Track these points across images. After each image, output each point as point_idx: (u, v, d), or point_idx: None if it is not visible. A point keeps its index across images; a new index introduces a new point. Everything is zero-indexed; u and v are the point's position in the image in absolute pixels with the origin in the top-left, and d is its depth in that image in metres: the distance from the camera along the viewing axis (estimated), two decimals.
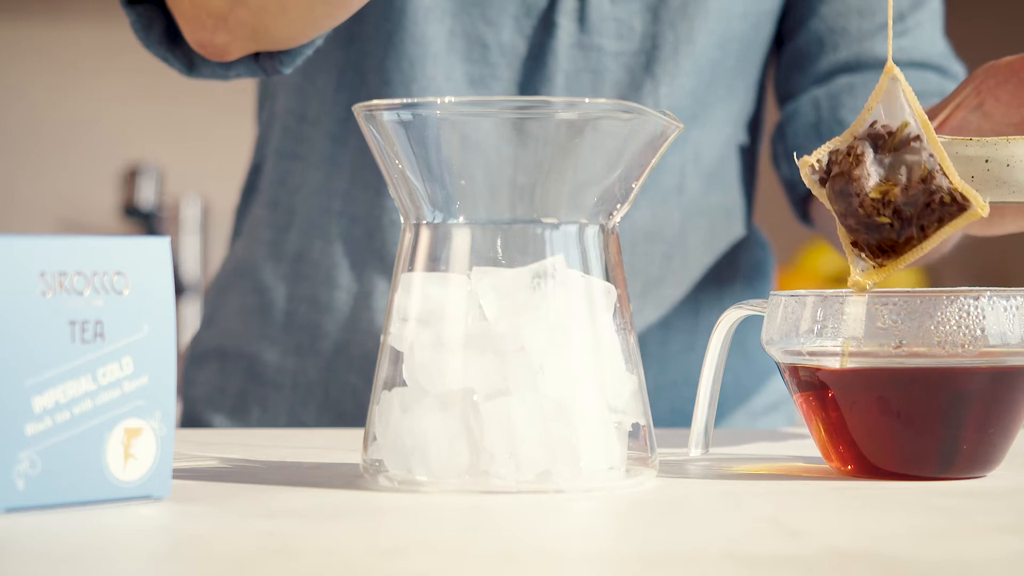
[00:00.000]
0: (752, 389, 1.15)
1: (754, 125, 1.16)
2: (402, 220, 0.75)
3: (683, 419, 1.11)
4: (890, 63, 0.76)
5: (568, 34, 1.07)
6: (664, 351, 1.09)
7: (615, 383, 0.72)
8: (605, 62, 1.07)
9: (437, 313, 0.71)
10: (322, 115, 1.11)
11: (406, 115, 0.72)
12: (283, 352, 1.11)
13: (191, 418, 1.15)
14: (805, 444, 0.94)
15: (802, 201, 1.19)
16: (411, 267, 0.73)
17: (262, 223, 1.14)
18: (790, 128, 1.16)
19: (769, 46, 1.15)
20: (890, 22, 0.79)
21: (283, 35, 0.95)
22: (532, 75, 1.07)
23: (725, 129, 1.13)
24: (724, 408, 1.13)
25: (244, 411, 1.12)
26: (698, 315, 1.12)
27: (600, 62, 1.07)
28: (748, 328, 1.16)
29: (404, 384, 0.71)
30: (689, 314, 1.11)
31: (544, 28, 1.07)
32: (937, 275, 3.10)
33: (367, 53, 1.08)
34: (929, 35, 1.17)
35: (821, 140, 1.13)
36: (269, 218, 1.13)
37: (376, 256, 1.09)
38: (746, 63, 1.12)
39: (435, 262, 0.72)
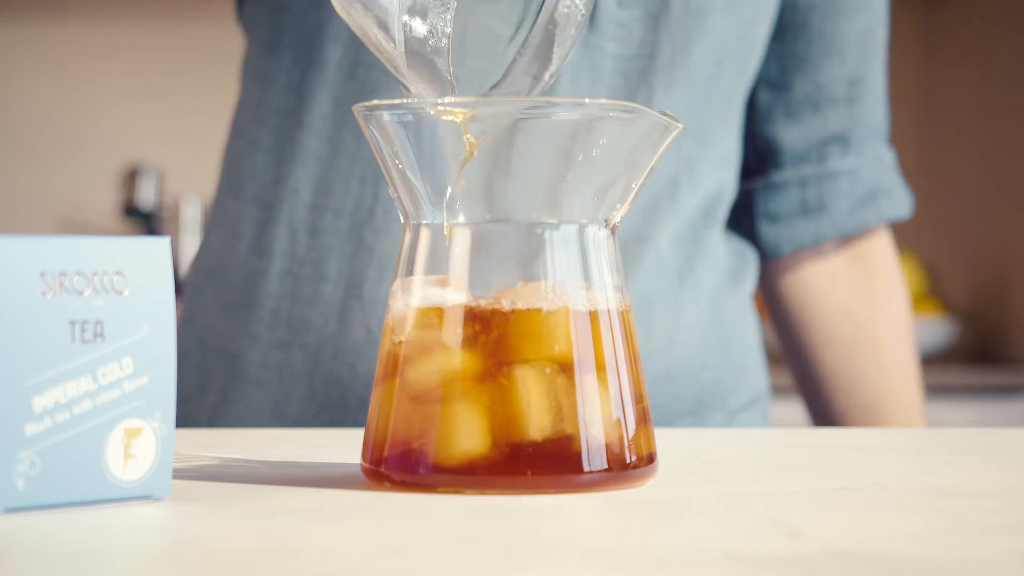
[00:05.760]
0: (731, 387, 1.16)
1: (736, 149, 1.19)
2: (402, 220, 0.75)
3: (666, 416, 1.11)
4: None
5: None
6: (644, 348, 1.09)
7: (617, 383, 0.72)
8: (604, 63, 1.08)
9: (437, 316, 0.71)
10: (315, 109, 1.11)
11: (406, 115, 0.72)
12: (267, 348, 1.11)
13: None
14: (804, 443, 0.94)
15: (768, 265, 1.24)
16: (411, 268, 0.73)
17: (244, 219, 1.13)
18: (778, 197, 1.23)
19: (754, 78, 1.18)
20: None
21: None
22: None
23: (721, 147, 1.15)
24: (705, 406, 1.14)
25: (226, 408, 1.12)
26: (679, 312, 1.12)
27: (600, 62, 1.08)
28: (730, 327, 1.17)
29: (403, 386, 0.71)
30: (668, 311, 1.12)
31: None
32: (937, 274, 3.10)
33: (361, 47, 1.08)
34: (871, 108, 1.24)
35: (806, 221, 1.23)
36: (252, 213, 1.13)
37: (365, 247, 1.09)
38: (738, 87, 1.15)
39: (435, 262, 0.72)
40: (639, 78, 1.09)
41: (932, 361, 2.84)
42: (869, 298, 1.25)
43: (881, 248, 1.26)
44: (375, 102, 0.72)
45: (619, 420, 0.72)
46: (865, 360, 1.25)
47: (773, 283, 1.26)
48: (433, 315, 0.72)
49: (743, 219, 1.24)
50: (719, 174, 1.15)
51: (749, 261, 1.21)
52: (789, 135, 1.22)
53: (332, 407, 1.09)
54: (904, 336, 1.27)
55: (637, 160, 0.73)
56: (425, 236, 0.73)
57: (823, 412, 1.26)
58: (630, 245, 1.11)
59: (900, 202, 1.26)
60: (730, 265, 1.18)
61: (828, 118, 1.22)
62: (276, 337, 1.11)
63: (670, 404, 1.12)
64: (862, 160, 1.23)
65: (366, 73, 1.09)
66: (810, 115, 1.22)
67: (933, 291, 3.04)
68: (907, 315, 1.27)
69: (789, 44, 1.20)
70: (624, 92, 1.09)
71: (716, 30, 1.11)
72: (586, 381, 0.71)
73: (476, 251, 0.72)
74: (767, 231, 1.23)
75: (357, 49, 1.08)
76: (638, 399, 0.73)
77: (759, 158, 1.23)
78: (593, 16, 1.08)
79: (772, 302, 1.27)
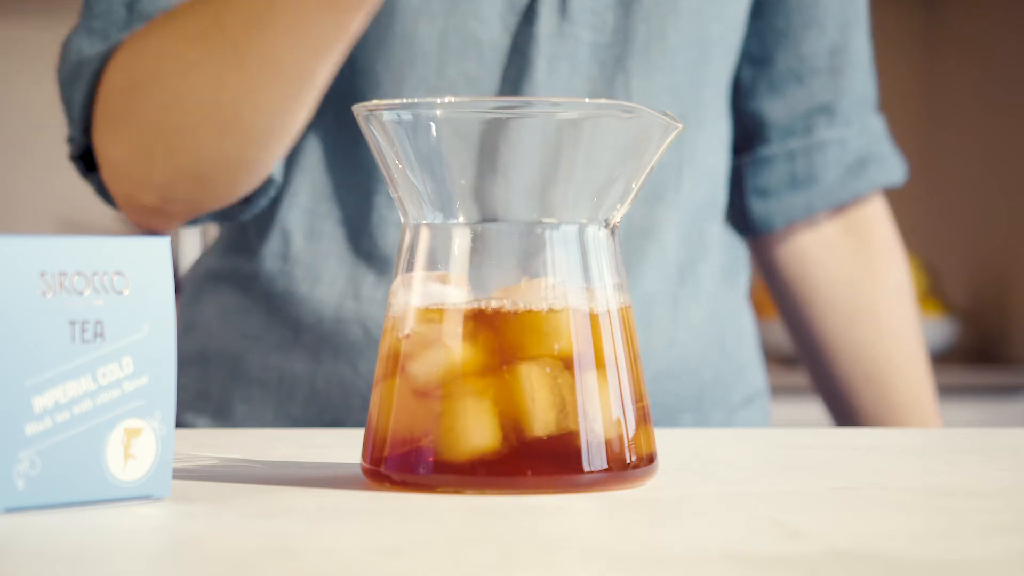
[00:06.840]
0: (731, 385, 1.16)
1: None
2: (402, 220, 0.75)
3: (667, 414, 1.11)
4: None
5: (549, 23, 1.08)
6: (646, 346, 1.09)
7: (617, 383, 0.72)
8: (580, 52, 1.09)
9: (437, 314, 0.71)
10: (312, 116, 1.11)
11: (406, 115, 0.72)
12: (268, 350, 1.11)
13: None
14: (804, 443, 0.94)
15: (762, 240, 1.25)
16: (411, 267, 0.73)
17: (244, 222, 1.14)
18: (767, 172, 1.23)
19: (738, 56, 1.18)
20: None
21: (220, 197, 1.04)
22: (515, 64, 1.08)
23: (718, 131, 1.15)
24: (705, 404, 1.14)
25: (229, 411, 1.12)
26: (677, 309, 1.12)
27: (576, 51, 1.09)
28: (728, 324, 1.17)
29: (405, 382, 0.71)
30: (669, 309, 1.12)
31: (527, 19, 1.08)
32: (937, 274, 3.10)
33: (355, 58, 1.08)
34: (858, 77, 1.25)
35: (796, 193, 1.23)
36: (252, 218, 1.13)
37: (364, 253, 1.09)
38: (726, 69, 1.15)
39: (435, 262, 0.72)
40: (615, 64, 1.09)
41: (932, 361, 2.84)
42: (866, 266, 1.25)
43: (875, 216, 1.26)
44: (375, 102, 0.72)
45: (619, 420, 0.72)
46: (865, 330, 1.24)
47: (769, 257, 1.26)
48: (435, 313, 0.72)
49: (733, 197, 1.24)
50: (716, 159, 1.16)
51: (740, 256, 1.21)
52: (774, 109, 1.22)
53: (335, 407, 1.09)
54: (904, 305, 1.26)
55: (637, 160, 0.73)
56: (425, 236, 0.73)
57: (829, 387, 1.26)
58: (634, 241, 1.11)
59: (892, 169, 1.25)
60: (724, 260, 1.18)
61: (812, 89, 1.22)
62: (277, 339, 1.11)
63: (671, 403, 1.12)
64: (850, 129, 1.23)
65: (361, 79, 1.09)
66: (794, 88, 1.22)
67: (933, 291, 3.04)
68: (907, 284, 1.27)
69: (768, 19, 1.20)
70: (601, 79, 1.09)
71: (691, 13, 1.11)
72: (586, 380, 0.71)
73: (476, 251, 0.72)
74: (758, 206, 1.23)
75: (354, 55, 1.09)
76: (638, 399, 0.73)
77: (745, 134, 1.23)
78: (566, 5, 1.09)
79: (769, 276, 1.27)
